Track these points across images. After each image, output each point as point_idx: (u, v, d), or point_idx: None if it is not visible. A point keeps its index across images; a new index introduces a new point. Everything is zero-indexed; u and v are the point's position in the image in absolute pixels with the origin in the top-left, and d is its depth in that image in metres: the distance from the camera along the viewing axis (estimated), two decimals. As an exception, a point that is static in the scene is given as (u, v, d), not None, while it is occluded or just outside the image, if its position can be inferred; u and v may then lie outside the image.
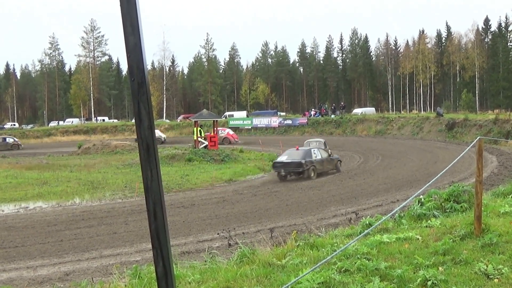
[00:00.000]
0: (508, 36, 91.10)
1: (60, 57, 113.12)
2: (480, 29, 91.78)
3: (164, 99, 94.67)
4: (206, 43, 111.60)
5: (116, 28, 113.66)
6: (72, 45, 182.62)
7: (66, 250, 13.04)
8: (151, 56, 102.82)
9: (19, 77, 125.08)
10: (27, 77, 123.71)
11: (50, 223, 16.66)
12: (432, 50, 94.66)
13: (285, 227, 13.98)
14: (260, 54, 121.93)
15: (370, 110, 72.16)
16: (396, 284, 5.22)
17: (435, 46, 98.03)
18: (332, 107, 72.44)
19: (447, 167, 7.42)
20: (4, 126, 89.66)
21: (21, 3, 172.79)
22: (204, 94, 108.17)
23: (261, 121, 66.32)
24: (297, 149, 27.29)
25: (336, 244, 7.17)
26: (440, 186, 17.66)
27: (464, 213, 8.63)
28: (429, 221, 8.13)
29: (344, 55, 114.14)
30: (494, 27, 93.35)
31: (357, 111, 71.25)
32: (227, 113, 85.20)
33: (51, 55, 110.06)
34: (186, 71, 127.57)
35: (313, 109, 75.86)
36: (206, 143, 37.77)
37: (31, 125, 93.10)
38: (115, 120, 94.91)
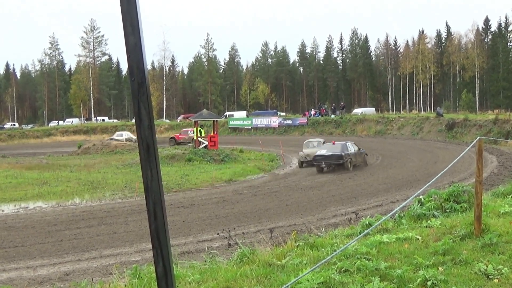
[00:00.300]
0: (508, 36, 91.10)
1: (60, 57, 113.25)
2: (480, 29, 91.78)
3: (164, 99, 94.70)
4: (206, 43, 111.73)
5: (116, 28, 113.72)
6: (72, 45, 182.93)
7: (66, 250, 13.04)
8: (151, 56, 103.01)
9: (19, 77, 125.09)
10: (27, 77, 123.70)
11: (50, 223, 16.67)
12: (432, 50, 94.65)
13: (285, 227, 13.98)
14: (260, 54, 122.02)
15: (370, 110, 72.13)
16: (396, 284, 5.22)
17: (435, 46, 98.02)
18: (332, 107, 72.42)
19: (447, 167, 7.42)
20: (4, 126, 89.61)
21: (21, 3, 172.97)
22: (204, 94, 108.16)
23: (261, 121, 66.32)
24: (334, 143, 29.77)
25: (336, 244, 7.17)
26: (440, 186, 17.66)
27: (464, 213, 8.62)
28: (429, 221, 8.13)
29: (344, 55, 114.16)
30: (494, 27, 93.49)
31: (357, 111, 71.21)
32: (227, 113, 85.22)
33: (51, 55, 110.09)
34: (186, 71, 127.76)
35: (313, 109, 75.86)
36: (206, 143, 37.77)
37: (31, 125, 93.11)
38: (115, 120, 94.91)
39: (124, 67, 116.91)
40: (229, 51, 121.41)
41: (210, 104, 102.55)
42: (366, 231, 6.99)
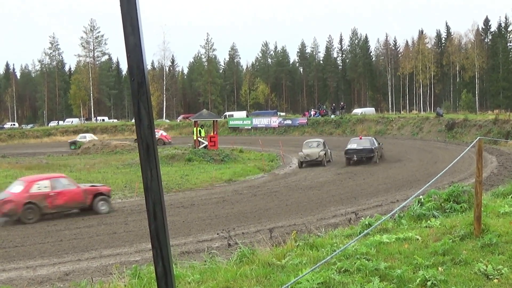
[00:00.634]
0: (508, 37, 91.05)
1: (60, 57, 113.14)
2: (480, 29, 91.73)
3: (164, 99, 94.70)
4: (206, 43, 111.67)
5: (116, 28, 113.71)
6: (72, 45, 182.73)
7: (66, 250, 13.04)
8: (151, 56, 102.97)
9: (19, 77, 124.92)
10: (27, 77, 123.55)
11: (50, 223, 16.68)
12: (432, 50, 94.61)
13: (285, 227, 13.98)
14: (260, 54, 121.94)
15: (370, 110, 72.10)
16: (396, 284, 5.22)
17: (435, 46, 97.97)
18: (332, 107, 72.39)
19: (447, 167, 7.43)
20: (4, 126, 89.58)
21: (21, 3, 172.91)
22: (204, 94, 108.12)
23: (261, 121, 66.30)
24: (361, 138, 32.36)
25: (335, 244, 7.17)
26: (440, 186, 17.66)
27: (463, 213, 8.62)
28: (428, 221, 8.13)
29: (344, 55, 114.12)
30: (494, 27, 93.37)
31: (357, 111, 71.17)
32: (227, 113, 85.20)
33: (51, 55, 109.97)
34: (186, 71, 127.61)
35: (312, 109, 75.84)
36: (206, 143, 37.76)
37: (31, 125, 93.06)
38: (115, 120, 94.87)
39: (124, 67, 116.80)
40: (229, 51, 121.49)
41: (210, 104, 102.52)
42: (366, 231, 6.99)
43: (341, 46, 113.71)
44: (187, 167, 31.73)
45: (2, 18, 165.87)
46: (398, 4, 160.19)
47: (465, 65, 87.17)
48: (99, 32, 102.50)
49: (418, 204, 9.32)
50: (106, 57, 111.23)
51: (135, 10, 1.59)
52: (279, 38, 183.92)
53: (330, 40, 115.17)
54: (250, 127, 66.13)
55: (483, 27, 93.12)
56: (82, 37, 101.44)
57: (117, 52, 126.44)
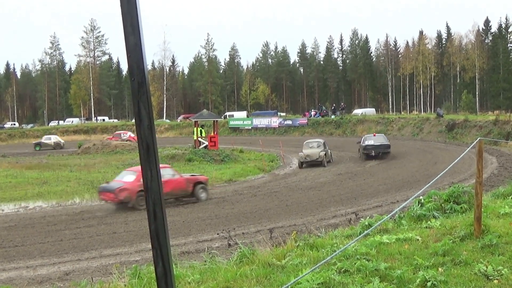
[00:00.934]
0: (508, 37, 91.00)
1: (61, 57, 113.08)
2: (481, 30, 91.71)
3: (165, 99, 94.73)
4: (206, 43, 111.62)
5: (117, 27, 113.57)
6: (72, 44, 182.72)
7: (66, 250, 13.04)
8: (152, 56, 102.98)
9: (19, 77, 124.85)
10: (27, 77, 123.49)
11: (50, 223, 16.68)
12: (432, 51, 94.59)
13: (285, 227, 13.97)
14: (261, 54, 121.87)
15: (370, 111, 72.07)
16: (396, 285, 5.22)
17: (435, 47, 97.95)
18: (332, 108, 72.37)
19: (447, 168, 7.42)
20: (4, 126, 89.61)
21: (22, 3, 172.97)
22: (204, 94, 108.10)
23: (261, 122, 66.31)
24: (375, 135, 35.84)
25: (335, 245, 7.16)
26: (440, 187, 17.65)
27: (464, 214, 8.62)
28: (429, 222, 8.13)
29: (344, 56, 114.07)
30: (494, 28, 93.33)
31: (358, 111, 71.16)
32: (227, 113, 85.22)
33: (51, 55, 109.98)
34: (186, 71, 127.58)
35: (313, 110, 75.83)
36: (206, 143, 37.76)
37: (31, 125, 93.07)
38: (115, 120, 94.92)
39: (125, 66, 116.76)
40: (230, 51, 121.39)
41: (211, 104, 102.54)
42: (366, 232, 6.99)
43: (342, 46, 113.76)
44: (188, 167, 31.71)
45: (2, 17, 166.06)
46: (398, 5, 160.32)
47: (465, 65, 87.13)
48: (99, 32, 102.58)
49: (418, 205, 9.32)
50: (107, 57, 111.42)
51: (135, 10, 1.59)
52: (279, 38, 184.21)
53: (330, 41, 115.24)
54: (250, 127, 66.14)
55: (484, 28, 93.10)
56: (82, 37, 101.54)
57: (118, 52, 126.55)
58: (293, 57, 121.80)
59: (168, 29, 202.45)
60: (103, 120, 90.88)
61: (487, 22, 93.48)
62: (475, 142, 7.10)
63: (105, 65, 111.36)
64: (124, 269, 8.24)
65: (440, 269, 5.60)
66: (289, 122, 64.27)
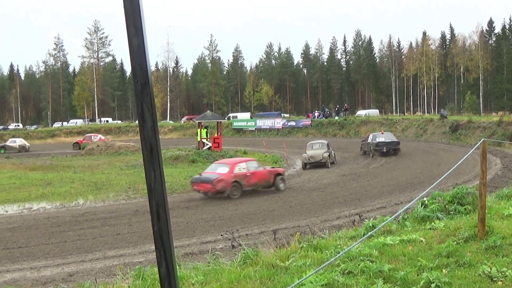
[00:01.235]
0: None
1: (64, 58, 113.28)
2: (484, 31, 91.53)
3: (168, 100, 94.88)
4: (210, 45, 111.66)
5: (120, 28, 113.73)
6: (76, 46, 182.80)
7: (70, 251, 13.06)
8: (155, 57, 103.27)
9: (23, 78, 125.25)
10: (31, 78, 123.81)
11: (54, 224, 16.70)
12: (436, 52, 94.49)
13: (289, 228, 13.96)
14: (264, 56, 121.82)
15: (374, 112, 71.98)
16: (400, 286, 5.21)
17: (439, 48, 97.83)
18: (336, 109, 72.28)
19: (451, 169, 7.41)
20: (8, 127, 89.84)
21: (25, 4, 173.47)
22: (208, 95, 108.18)
23: (264, 123, 66.27)
24: (382, 133, 38.05)
25: (339, 246, 7.15)
26: (444, 188, 17.61)
27: (468, 215, 8.59)
28: (432, 223, 8.10)
29: (347, 57, 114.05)
30: (498, 29, 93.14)
31: (361, 112, 71.05)
32: (230, 115, 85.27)
33: (55, 56, 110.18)
34: (190, 72, 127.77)
35: (316, 111, 75.75)
36: (210, 144, 37.78)
37: (35, 126, 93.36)
38: (119, 121, 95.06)
39: (128, 68, 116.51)
40: (233, 52, 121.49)
41: (214, 106, 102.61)
42: (369, 233, 6.97)
43: (345, 47, 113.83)
44: (191, 168, 31.74)
45: (6, 19, 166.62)
46: (401, 6, 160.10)
47: (469, 66, 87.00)
48: (103, 33, 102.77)
49: (422, 206, 9.30)
50: (110, 58, 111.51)
51: (139, 11, 1.59)
52: (283, 40, 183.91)
53: (334, 42, 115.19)
54: (254, 129, 66.13)
55: (487, 28, 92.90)
56: (86, 38, 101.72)
57: (121, 53, 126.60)
58: (297, 58, 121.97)
59: (171, 30, 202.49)
60: (107, 121, 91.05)
61: (490, 23, 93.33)
62: (479, 143, 7.08)
63: (109, 67, 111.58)
64: (128, 270, 8.23)
65: (444, 270, 5.58)
66: (293, 123, 64.22)
